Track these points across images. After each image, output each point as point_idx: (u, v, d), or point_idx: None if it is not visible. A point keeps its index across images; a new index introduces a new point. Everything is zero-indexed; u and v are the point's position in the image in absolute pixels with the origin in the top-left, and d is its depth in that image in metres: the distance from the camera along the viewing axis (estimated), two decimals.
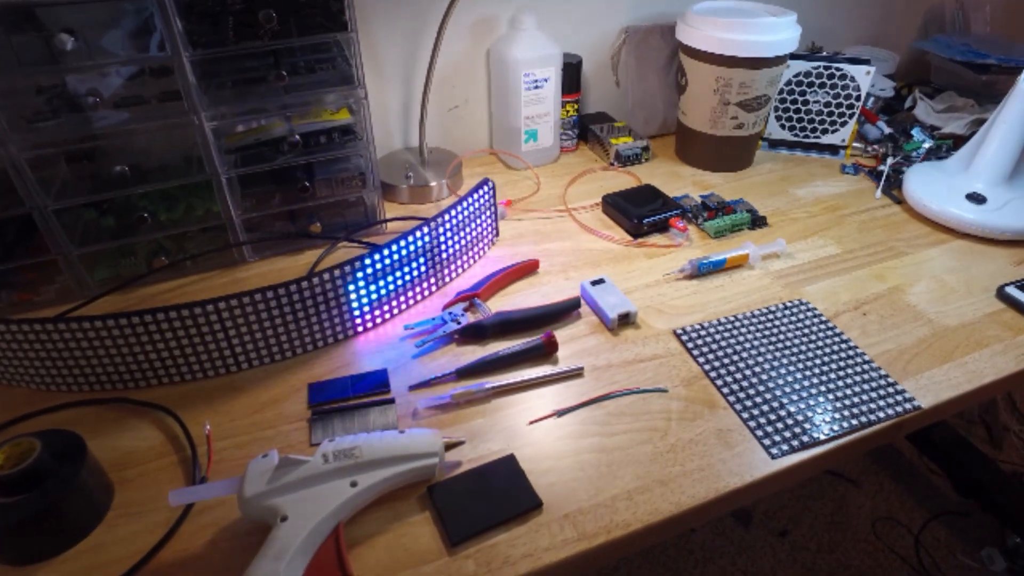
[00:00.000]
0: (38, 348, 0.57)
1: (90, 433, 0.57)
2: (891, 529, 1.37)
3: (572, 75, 0.96)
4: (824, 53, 1.06)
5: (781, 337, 0.66)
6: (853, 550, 1.34)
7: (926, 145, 0.99)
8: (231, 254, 0.77)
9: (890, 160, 0.97)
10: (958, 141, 1.00)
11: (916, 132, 1.02)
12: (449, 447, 0.54)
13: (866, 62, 0.95)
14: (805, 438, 0.56)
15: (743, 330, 0.67)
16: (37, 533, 0.47)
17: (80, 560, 0.48)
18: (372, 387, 0.61)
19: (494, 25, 0.94)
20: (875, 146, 1.02)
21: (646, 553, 1.30)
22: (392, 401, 0.59)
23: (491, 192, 0.76)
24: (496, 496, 0.51)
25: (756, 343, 0.66)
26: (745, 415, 0.58)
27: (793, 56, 0.95)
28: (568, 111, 0.99)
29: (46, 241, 0.68)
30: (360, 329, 0.67)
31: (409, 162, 0.93)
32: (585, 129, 1.04)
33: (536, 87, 0.90)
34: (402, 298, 0.69)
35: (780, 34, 0.86)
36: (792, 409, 0.59)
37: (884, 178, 0.94)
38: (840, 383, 0.61)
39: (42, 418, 0.59)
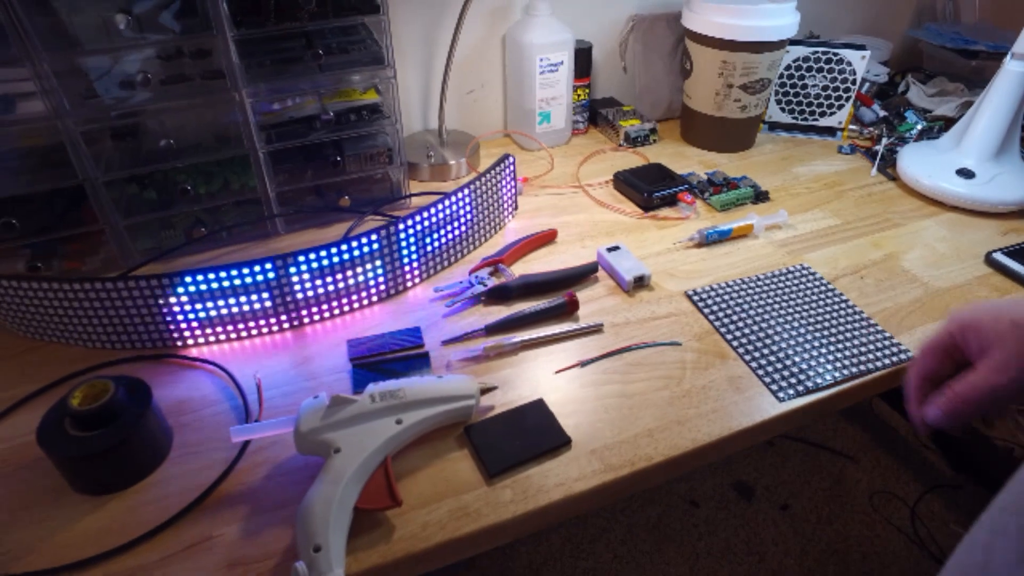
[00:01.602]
0: (97, 306, 0.61)
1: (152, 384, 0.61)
2: (888, 502, 1.42)
3: (583, 60, 1.01)
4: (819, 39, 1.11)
5: (785, 297, 0.71)
6: (852, 522, 1.39)
7: (919, 126, 1.04)
8: (264, 226, 0.81)
9: (885, 141, 1.02)
10: (949, 122, 1.05)
11: (909, 114, 1.07)
12: (484, 391, 0.58)
13: (861, 47, 1.00)
14: (809, 383, 0.61)
15: (750, 291, 0.72)
16: (111, 466, 0.51)
17: (148, 493, 0.52)
18: (407, 341, 0.65)
19: (509, 12, 0.99)
20: (870, 128, 1.08)
21: (651, 526, 1.35)
22: (427, 355, 0.64)
23: (512, 166, 0.80)
24: (529, 434, 0.56)
25: (762, 302, 0.70)
26: (753, 364, 0.63)
27: (792, 42, 1.00)
28: (579, 95, 1.03)
29: (95, 212, 0.72)
30: (392, 292, 0.71)
31: (429, 143, 0.97)
32: (595, 113, 1.09)
33: (550, 71, 0.95)
34: (431, 263, 0.74)
35: (781, 19, 0.91)
36: (797, 359, 0.63)
37: (879, 157, 0.99)
38: (840, 337, 0.66)
39: (100, 372, 0.63)
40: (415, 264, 0.72)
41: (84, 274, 0.75)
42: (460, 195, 0.73)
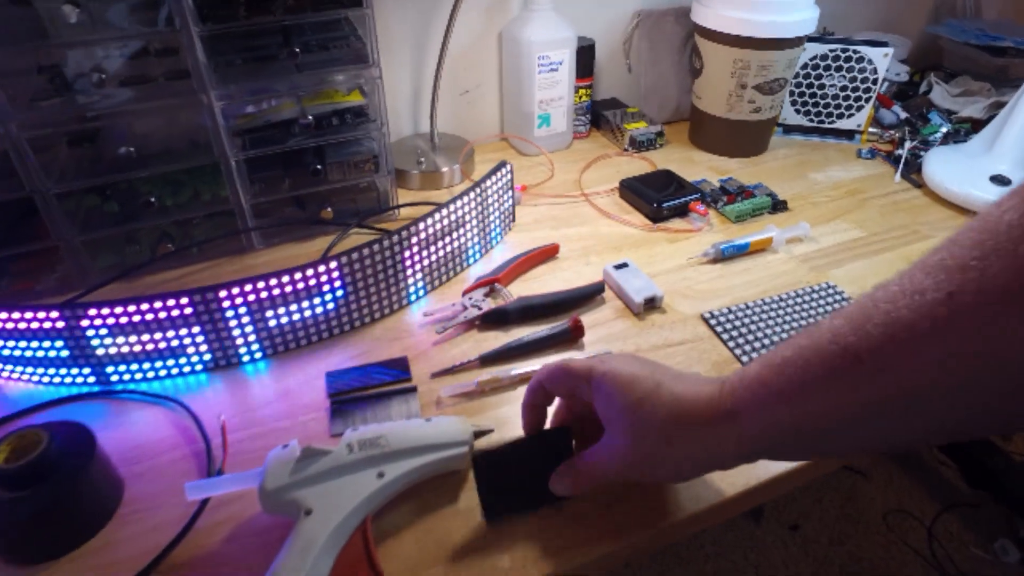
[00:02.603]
0: (41, 336, 0.54)
1: (98, 426, 0.54)
2: (903, 521, 1.36)
3: (586, 59, 0.94)
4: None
5: (811, 321, 0.64)
6: (865, 543, 1.33)
7: (944, 129, 0.97)
8: (239, 241, 0.74)
9: (907, 144, 0.95)
10: (976, 125, 0.98)
11: (933, 116, 1.00)
12: (478, 435, 0.51)
13: (883, 44, 0.93)
14: None
15: (772, 313, 0.65)
16: (44, 530, 0.44)
17: (90, 559, 0.45)
18: (393, 374, 0.58)
19: (507, 6, 0.92)
20: (891, 131, 1.01)
21: (657, 548, 1.29)
22: (414, 389, 0.57)
23: (509, 175, 0.73)
24: (541, 476, 0.47)
25: (786, 326, 0.64)
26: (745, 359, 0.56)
27: (809, 39, 0.94)
28: (581, 96, 0.96)
29: (47, 227, 0.65)
30: (378, 316, 0.65)
31: (420, 148, 0.90)
32: (597, 115, 1.02)
33: (550, 70, 0.88)
34: (420, 284, 0.67)
35: (800, 14, 0.84)
36: None
37: (903, 162, 0.92)
38: None
39: (47, 412, 0.56)
40: (401, 286, 0.65)
41: (37, 292, 0.68)
42: (451, 208, 0.66)
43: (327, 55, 0.69)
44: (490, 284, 0.66)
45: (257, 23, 0.63)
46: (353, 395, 0.56)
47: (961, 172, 0.84)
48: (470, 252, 0.71)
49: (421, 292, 0.67)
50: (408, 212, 0.81)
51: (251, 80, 0.66)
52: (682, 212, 0.81)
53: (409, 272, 0.64)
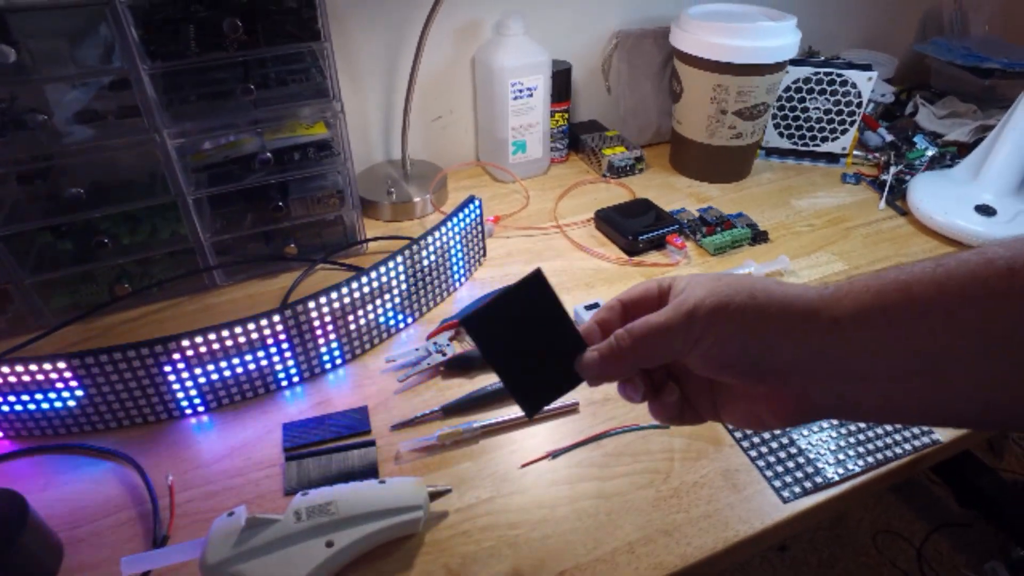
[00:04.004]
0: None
1: (40, 485, 0.52)
2: (892, 543, 1.34)
3: (562, 83, 0.91)
4: (821, 57, 1.02)
5: None
6: (854, 564, 1.31)
7: (929, 153, 0.95)
8: (200, 279, 0.72)
9: (893, 169, 0.93)
10: (962, 148, 0.96)
11: (919, 139, 0.98)
12: (434, 497, 0.49)
13: (867, 67, 0.91)
14: (818, 479, 0.52)
15: None
16: None
17: None
18: (352, 427, 0.56)
19: (479, 31, 0.89)
20: (876, 154, 0.99)
21: None
22: (373, 443, 0.54)
23: (478, 210, 0.71)
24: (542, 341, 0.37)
25: None
26: (753, 453, 0.54)
27: (792, 61, 0.91)
28: (558, 120, 0.94)
29: None
30: (339, 362, 0.62)
31: (391, 176, 0.88)
32: (576, 139, 1.00)
33: (524, 96, 0.86)
34: (384, 326, 0.64)
35: (781, 39, 0.82)
36: (803, 445, 0.55)
37: (888, 188, 0.90)
38: None
39: None
40: (364, 329, 0.62)
41: None
42: (415, 249, 0.63)
43: (287, 90, 0.66)
44: (455, 327, 0.64)
45: (210, 59, 0.61)
46: (310, 449, 0.54)
47: (946, 201, 0.82)
48: (436, 291, 0.69)
49: (376, 342, 0.65)
50: (375, 247, 0.78)
51: (207, 116, 0.64)
52: (659, 245, 0.79)
53: (371, 316, 0.62)
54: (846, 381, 0.31)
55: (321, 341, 0.60)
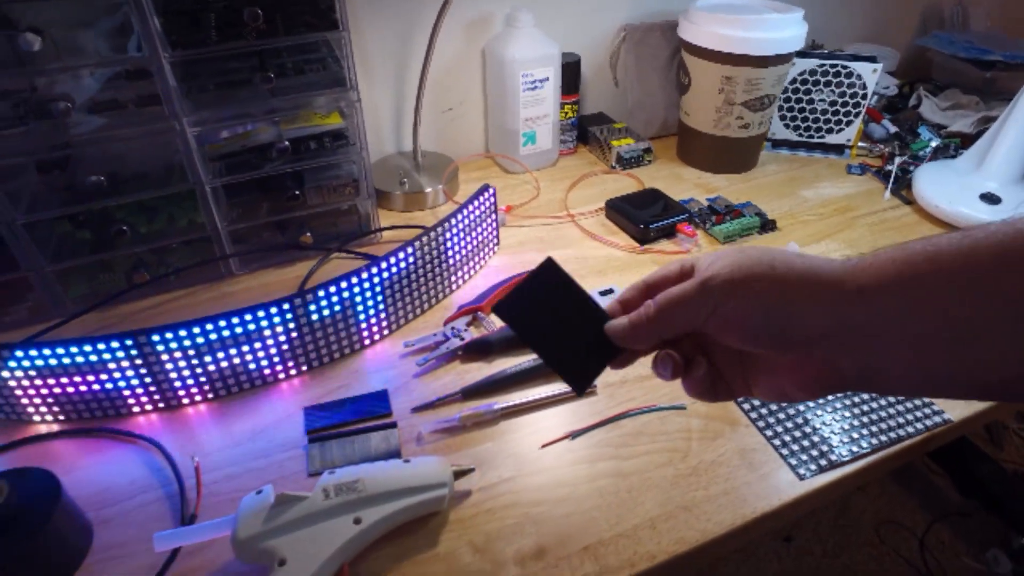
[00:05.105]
0: (6, 375, 0.53)
1: (66, 468, 0.53)
2: (895, 532, 1.35)
3: (571, 75, 0.92)
4: (825, 51, 1.03)
5: None
6: (858, 554, 1.32)
7: (933, 144, 0.97)
8: (217, 267, 0.73)
9: (897, 160, 0.94)
10: (965, 139, 0.97)
11: (923, 130, 1.00)
12: (458, 475, 0.50)
13: (872, 59, 0.92)
14: (833, 457, 0.53)
15: None
16: None
17: None
18: (373, 410, 0.57)
19: (490, 23, 0.90)
20: (881, 145, 1.00)
21: None
22: (394, 425, 0.55)
23: (492, 198, 0.72)
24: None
25: None
26: (768, 432, 0.55)
27: (798, 54, 0.93)
28: (567, 112, 0.95)
29: (15, 257, 0.63)
30: (357, 347, 0.63)
31: (403, 168, 0.88)
32: (584, 131, 1.00)
33: (535, 88, 0.87)
34: (401, 313, 0.65)
35: (788, 31, 0.83)
36: (817, 425, 0.56)
37: (893, 178, 0.91)
38: (867, 396, 0.58)
39: (12, 453, 0.54)
40: (382, 315, 0.63)
41: (7, 324, 0.66)
42: (433, 235, 0.64)
43: (303, 79, 0.67)
44: (473, 313, 0.65)
45: (229, 48, 0.62)
46: (332, 432, 0.55)
47: (951, 190, 0.84)
48: (452, 278, 0.70)
49: (393, 328, 0.65)
50: (390, 235, 0.79)
51: (226, 105, 0.65)
52: (669, 233, 0.80)
53: (388, 303, 0.63)
54: (872, 350, 0.32)
55: (341, 326, 0.60)
